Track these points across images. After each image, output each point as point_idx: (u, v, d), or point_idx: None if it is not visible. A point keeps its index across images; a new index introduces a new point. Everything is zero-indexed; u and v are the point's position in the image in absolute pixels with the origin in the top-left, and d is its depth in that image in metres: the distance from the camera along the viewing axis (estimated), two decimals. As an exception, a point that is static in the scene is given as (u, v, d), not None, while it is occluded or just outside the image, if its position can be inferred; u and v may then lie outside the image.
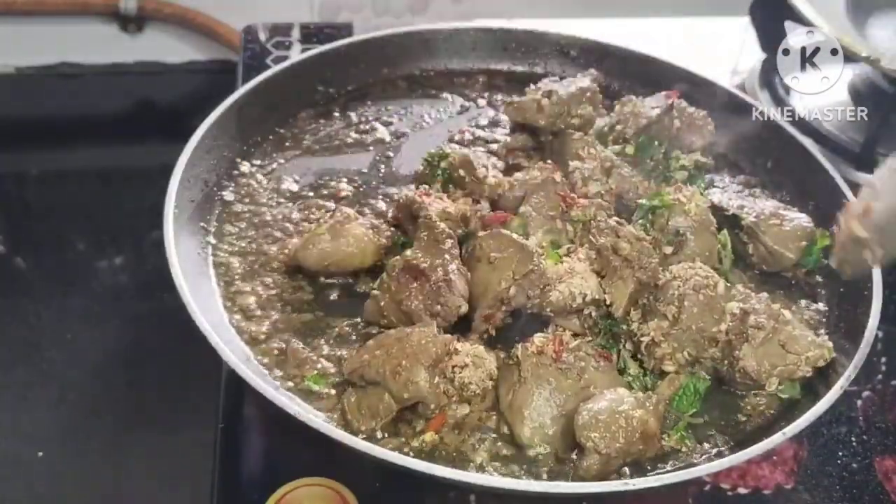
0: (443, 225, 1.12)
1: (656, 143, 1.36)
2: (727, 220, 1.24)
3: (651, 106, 1.37)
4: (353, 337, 1.10)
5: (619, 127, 1.37)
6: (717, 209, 1.24)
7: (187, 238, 1.16)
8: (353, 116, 1.46)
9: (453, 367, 1.00)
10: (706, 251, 1.18)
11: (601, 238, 1.11)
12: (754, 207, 1.24)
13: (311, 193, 1.31)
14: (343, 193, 1.31)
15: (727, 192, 1.31)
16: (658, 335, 1.05)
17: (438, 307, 1.05)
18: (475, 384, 1.00)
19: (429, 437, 0.98)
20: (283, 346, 1.08)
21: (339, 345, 1.09)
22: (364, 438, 0.95)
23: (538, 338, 1.03)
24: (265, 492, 0.96)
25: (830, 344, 1.07)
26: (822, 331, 1.15)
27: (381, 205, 1.29)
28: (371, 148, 1.41)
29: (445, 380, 0.99)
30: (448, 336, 1.02)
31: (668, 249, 1.16)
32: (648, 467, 0.98)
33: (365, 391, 1.00)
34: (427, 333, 1.01)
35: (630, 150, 1.35)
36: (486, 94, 1.54)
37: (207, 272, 1.16)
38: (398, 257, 1.10)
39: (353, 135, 1.43)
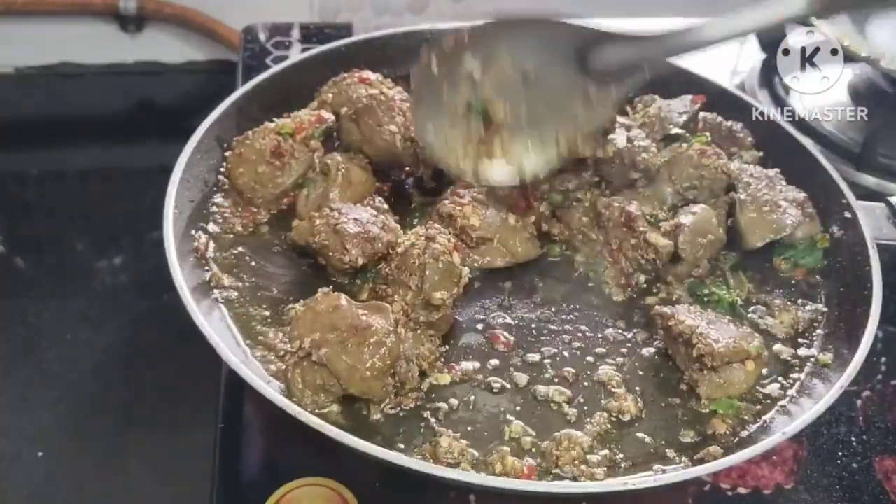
0: None
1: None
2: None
3: (678, 111, 1.33)
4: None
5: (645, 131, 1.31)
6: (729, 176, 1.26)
7: (187, 238, 1.16)
8: (353, 116, 1.46)
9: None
10: (706, 220, 1.19)
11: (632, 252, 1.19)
12: (758, 191, 1.24)
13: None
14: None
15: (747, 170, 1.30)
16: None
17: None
18: (409, 381, 1.01)
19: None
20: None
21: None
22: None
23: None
24: (265, 492, 0.96)
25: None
26: (822, 331, 1.15)
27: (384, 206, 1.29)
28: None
29: (393, 378, 1.00)
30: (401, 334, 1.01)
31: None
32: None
33: (312, 367, 0.97)
34: (385, 331, 0.98)
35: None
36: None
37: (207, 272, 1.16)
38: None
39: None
